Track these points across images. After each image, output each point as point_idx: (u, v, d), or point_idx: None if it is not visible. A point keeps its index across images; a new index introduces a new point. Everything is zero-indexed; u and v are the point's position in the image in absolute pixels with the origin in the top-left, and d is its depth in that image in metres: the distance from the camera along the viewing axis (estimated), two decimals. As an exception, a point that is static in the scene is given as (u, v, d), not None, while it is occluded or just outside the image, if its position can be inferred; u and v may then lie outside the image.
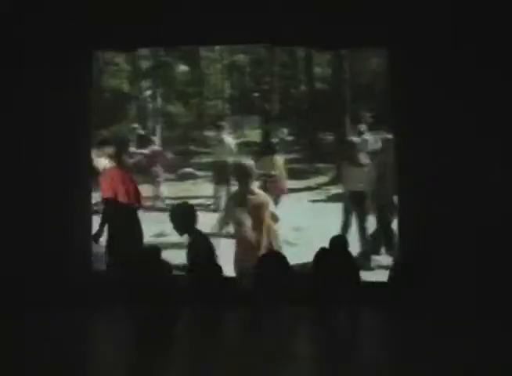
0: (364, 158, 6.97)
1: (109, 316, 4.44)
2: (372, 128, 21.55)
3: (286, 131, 16.42)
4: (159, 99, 15.14)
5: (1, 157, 5.13)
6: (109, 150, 5.94)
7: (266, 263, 4.32)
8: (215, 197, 9.99)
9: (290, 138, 15.08)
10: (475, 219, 4.47)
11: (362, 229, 6.58)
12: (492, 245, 4.40)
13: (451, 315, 3.98)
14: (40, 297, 4.63)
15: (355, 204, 6.86)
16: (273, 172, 8.32)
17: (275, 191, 8.05)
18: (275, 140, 11.11)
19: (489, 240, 4.40)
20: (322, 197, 11.57)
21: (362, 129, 10.80)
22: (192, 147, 16.33)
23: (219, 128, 10.63)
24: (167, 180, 11.47)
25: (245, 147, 16.96)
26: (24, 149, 5.14)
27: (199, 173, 13.02)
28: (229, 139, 10.44)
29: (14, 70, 5.20)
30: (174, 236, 5.33)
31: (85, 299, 4.69)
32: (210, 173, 12.09)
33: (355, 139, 7.84)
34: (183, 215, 4.83)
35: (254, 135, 21.64)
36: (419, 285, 4.19)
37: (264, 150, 9.76)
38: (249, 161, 5.51)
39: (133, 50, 6.78)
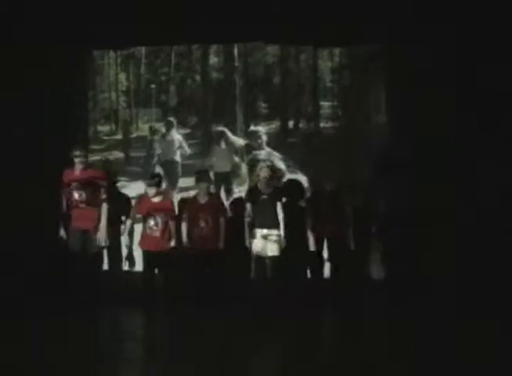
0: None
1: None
2: (266, 118, 21.94)
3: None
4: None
5: (2, 158, 4.85)
6: None
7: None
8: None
9: (185, 131, 14.73)
10: (475, 219, 4.39)
11: None
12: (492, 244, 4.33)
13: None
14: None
15: None
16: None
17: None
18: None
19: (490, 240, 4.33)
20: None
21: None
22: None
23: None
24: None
25: (137, 143, 16.39)
26: (24, 147, 4.86)
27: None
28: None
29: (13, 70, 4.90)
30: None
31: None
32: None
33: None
34: None
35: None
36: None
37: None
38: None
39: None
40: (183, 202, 4.84)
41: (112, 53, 21.72)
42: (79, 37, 4.91)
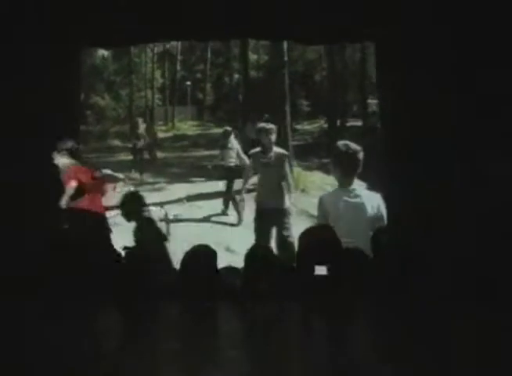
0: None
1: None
2: (309, 117, 21.12)
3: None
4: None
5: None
6: None
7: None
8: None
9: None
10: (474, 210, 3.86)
11: None
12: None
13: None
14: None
15: None
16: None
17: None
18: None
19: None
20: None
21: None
22: (115, 142, 14.80)
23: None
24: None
25: (174, 142, 15.59)
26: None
27: (121, 175, 10.79)
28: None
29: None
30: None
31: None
32: (136, 175, 10.52)
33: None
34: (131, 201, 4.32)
35: (186, 127, 20.48)
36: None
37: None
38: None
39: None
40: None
41: (148, 51, 21.29)
42: (70, 36, 4.49)
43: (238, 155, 8.23)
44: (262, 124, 5.66)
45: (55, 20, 4.18)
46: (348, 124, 15.75)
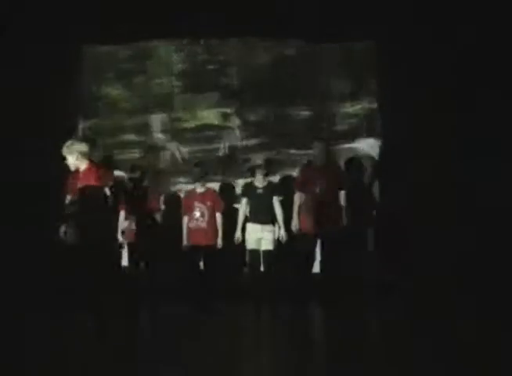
0: None
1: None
2: (350, 98, 19.12)
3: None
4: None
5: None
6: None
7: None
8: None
9: (253, 118, 12.18)
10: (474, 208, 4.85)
11: None
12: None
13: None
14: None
15: None
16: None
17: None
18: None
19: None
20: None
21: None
22: (131, 137, 13.30)
23: None
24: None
25: (198, 132, 14.14)
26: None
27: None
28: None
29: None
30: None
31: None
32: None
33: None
34: None
35: (211, 116, 18.93)
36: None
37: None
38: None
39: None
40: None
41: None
42: (68, 34, 5.64)
43: None
44: None
45: (55, 20, 5.46)
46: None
